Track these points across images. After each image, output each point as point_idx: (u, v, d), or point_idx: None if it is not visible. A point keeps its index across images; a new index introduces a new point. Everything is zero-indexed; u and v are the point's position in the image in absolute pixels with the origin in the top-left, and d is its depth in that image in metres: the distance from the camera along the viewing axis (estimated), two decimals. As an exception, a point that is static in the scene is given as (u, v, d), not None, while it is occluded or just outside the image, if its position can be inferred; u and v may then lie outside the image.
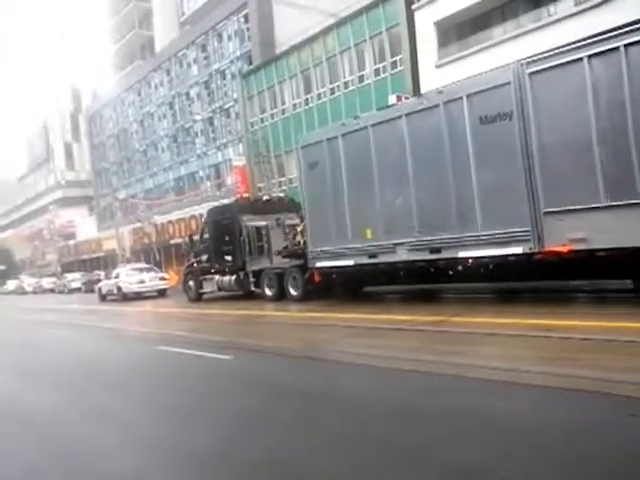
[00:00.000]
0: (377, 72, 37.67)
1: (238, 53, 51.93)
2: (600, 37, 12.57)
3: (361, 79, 38.72)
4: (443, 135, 15.44)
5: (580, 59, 12.65)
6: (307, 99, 43.11)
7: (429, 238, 15.90)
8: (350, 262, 18.39)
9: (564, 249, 13.07)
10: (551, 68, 13.27)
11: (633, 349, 8.82)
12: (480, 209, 14.64)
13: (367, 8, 37.64)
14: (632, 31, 11.97)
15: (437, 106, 15.69)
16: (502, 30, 30.65)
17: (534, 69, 13.56)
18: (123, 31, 74.20)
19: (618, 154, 12.17)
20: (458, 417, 6.48)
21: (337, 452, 5.81)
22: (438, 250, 15.75)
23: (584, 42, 12.83)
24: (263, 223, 25.36)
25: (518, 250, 13.94)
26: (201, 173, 57.64)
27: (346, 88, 39.70)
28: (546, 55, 13.65)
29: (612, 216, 12.25)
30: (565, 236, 13.03)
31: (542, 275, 14.53)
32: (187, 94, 58.85)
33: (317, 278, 20.31)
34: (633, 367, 7.68)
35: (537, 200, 13.53)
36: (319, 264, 19.76)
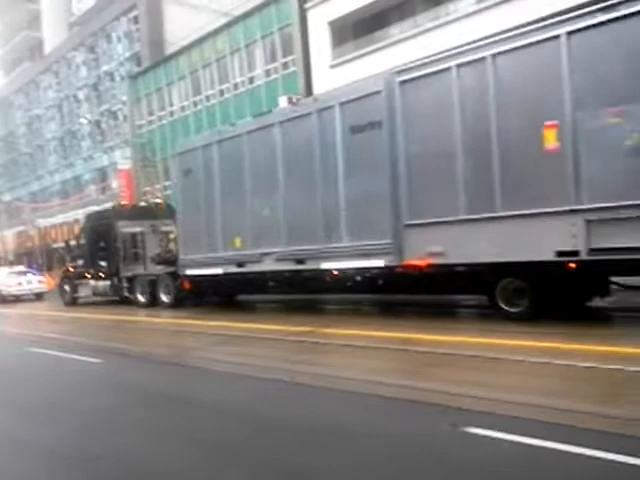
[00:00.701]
0: (268, 73, 37.14)
1: (127, 54, 51.03)
2: (469, 47, 12.75)
3: (251, 80, 38.25)
4: (315, 144, 15.35)
5: (448, 68, 12.76)
6: (195, 101, 42.47)
7: (295, 249, 15.78)
8: (219, 271, 18.15)
9: (423, 263, 13.12)
10: (421, 77, 13.30)
11: (478, 363, 8.95)
12: (345, 220, 14.59)
13: (259, 7, 37.18)
14: (500, 41, 12.18)
15: (310, 114, 15.60)
16: (399, 29, 30.54)
17: (404, 78, 13.56)
18: (12, 33, 71.54)
19: (480, 167, 12.26)
20: (292, 423, 6.75)
21: (168, 449, 6.21)
22: (302, 261, 15.64)
23: (453, 51, 12.98)
24: (138, 229, 25.12)
25: (380, 263, 13.92)
26: (87, 176, 56.32)
27: (236, 90, 39.17)
28: (417, 64, 13.70)
29: (469, 230, 12.37)
30: (424, 250, 13.06)
31: (404, 289, 14.63)
32: (75, 96, 57.42)
33: (187, 286, 20.03)
34: (474, 381, 7.87)
35: (400, 212, 13.54)
36: (189, 272, 19.48)
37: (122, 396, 8.82)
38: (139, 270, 24.14)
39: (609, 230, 10.55)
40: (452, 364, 9.19)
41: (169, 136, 43.36)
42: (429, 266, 13.04)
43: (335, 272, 15.10)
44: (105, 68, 53.44)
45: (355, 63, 30.63)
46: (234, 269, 17.64)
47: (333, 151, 14.88)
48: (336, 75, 30.49)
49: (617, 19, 10.45)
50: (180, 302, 21.01)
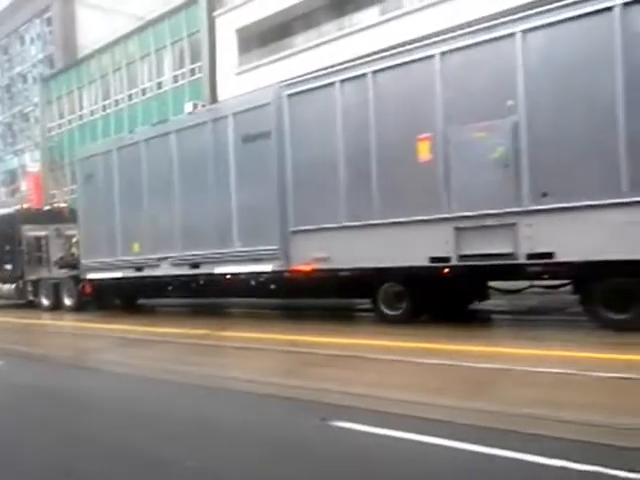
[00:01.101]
0: (176, 79, 37.27)
1: (40, 56, 50.43)
2: (351, 63, 13.39)
3: (159, 86, 38.25)
4: (209, 152, 15.77)
5: (332, 83, 13.37)
6: (104, 105, 42.15)
7: (190, 253, 16.16)
8: (119, 274, 18.41)
9: (308, 268, 13.69)
10: (307, 91, 13.92)
11: (355, 363, 9.50)
12: (237, 226, 15.04)
13: (170, 13, 37.25)
14: (380, 59, 12.84)
15: (206, 123, 16.04)
16: (305, 38, 31.15)
17: (292, 91, 14.15)
18: None
19: (360, 177, 12.89)
20: (172, 419, 7.05)
21: (38, 441, 6.55)
22: (197, 265, 16.05)
23: (338, 67, 13.61)
24: (43, 233, 24.88)
25: (268, 268, 14.44)
26: None
27: (144, 95, 39.12)
28: (304, 78, 14.30)
29: (350, 237, 12.98)
30: (310, 255, 13.63)
31: (294, 293, 15.18)
32: None
33: (88, 289, 20.18)
34: (346, 379, 8.41)
35: (287, 219, 14.09)
36: (90, 275, 19.64)
37: (14, 395, 9.09)
38: (43, 274, 24.00)
39: (476, 237, 11.30)
40: (332, 364, 9.66)
41: (78, 140, 42.79)
42: (314, 271, 13.60)
43: (228, 276, 15.51)
44: (18, 69, 52.77)
45: (261, 70, 31.12)
46: (133, 273, 17.91)
47: (226, 159, 15.33)
48: (242, 82, 30.91)
49: (482, 42, 11.24)
50: (83, 306, 21.11)
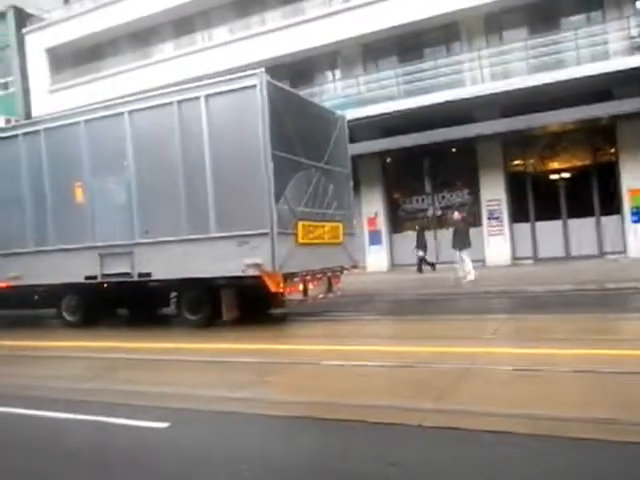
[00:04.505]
0: None
1: None
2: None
3: None
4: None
5: (37, 131, 17.26)
6: None
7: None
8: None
9: (4, 284, 17.89)
10: (2, 139, 18.08)
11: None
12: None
13: None
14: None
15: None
16: (116, 61, 34.75)
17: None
18: None
19: (40, 213, 17.05)
20: None
21: None
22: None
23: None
24: None
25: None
26: None
27: None
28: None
29: (34, 260, 17.13)
30: (5, 274, 17.77)
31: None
32: None
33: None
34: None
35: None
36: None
37: None
38: None
39: (111, 261, 15.82)
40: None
41: None
42: (10, 287, 17.81)
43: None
44: None
45: (75, 90, 34.39)
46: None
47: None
48: (56, 100, 33.97)
49: (108, 116, 15.82)
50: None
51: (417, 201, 28.53)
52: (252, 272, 13.80)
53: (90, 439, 6.84)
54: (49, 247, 16.94)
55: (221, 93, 14.17)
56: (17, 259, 17.59)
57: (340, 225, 16.42)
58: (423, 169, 27.80)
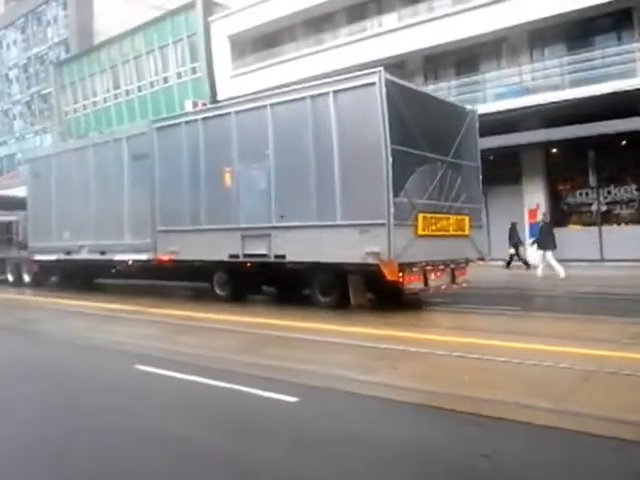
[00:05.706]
0: (179, 75, 41.94)
1: (56, 40, 55.38)
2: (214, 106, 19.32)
3: (165, 80, 43.00)
4: (111, 165, 22.05)
5: (196, 120, 19.30)
6: (116, 94, 47.05)
7: (100, 242, 22.39)
8: (53, 257, 24.91)
9: (166, 258, 19.94)
10: (168, 126, 20.18)
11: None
12: (127, 223, 21.35)
13: (172, 14, 41.73)
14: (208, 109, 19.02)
15: (108, 143, 22.73)
16: (295, 47, 36.76)
17: (158, 125, 20.52)
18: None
19: (196, 194, 18.95)
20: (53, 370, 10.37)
21: None
22: (104, 252, 22.35)
23: (199, 109, 19.65)
24: (14, 218, 30.09)
25: (144, 257, 20.67)
26: (20, 155, 59.51)
27: (152, 87, 43.98)
28: (167, 116, 20.49)
29: (191, 237, 19.12)
30: (167, 249, 19.85)
31: (159, 276, 21.66)
32: (6, 75, 62.07)
33: (35, 268, 26.88)
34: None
35: (155, 221, 20.26)
36: (36, 257, 26.25)
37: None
38: (11, 254, 29.43)
39: (251, 241, 17.37)
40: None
41: (93, 125, 48.00)
42: (170, 261, 19.83)
43: (130, 262, 21.70)
44: (35, 50, 57.62)
45: (253, 75, 36.66)
46: (63, 256, 24.29)
47: (122, 172, 21.57)
48: (236, 85, 36.44)
49: (252, 109, 17.31)
50: (39, 282, 27.40)
51: (580, 195, 28.12)
52: (371, 260, 14.70)
53: (225, 406, 7.85)
54: (202, 226, 18.78)
55: (346, 89, 15.21)
56: (177, 236, 19.65)
57: (466, 218, 16.93)
58: (588, 162, 27.38)
